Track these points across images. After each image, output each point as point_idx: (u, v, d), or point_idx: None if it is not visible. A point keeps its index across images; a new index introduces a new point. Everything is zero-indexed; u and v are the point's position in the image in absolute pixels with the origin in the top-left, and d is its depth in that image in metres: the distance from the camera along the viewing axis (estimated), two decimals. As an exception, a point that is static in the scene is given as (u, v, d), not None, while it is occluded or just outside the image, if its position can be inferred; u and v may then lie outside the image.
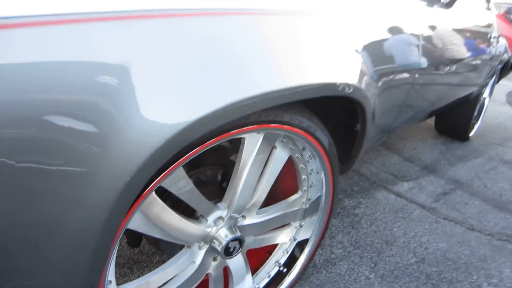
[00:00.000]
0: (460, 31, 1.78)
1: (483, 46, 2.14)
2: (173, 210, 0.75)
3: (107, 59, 0.47)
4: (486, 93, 2.99)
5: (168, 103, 0.52)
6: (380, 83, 1.03)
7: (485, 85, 2.58)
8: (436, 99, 1.87)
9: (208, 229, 0.85)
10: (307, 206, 1.06)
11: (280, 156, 0.89)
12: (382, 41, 1.03)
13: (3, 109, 0.41)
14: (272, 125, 0.77)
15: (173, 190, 0.72)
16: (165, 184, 0.69)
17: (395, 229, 1.65)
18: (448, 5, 1.47)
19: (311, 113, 0.89)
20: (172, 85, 0.53)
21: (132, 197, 0.55)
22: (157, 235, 0.76)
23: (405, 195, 1.96)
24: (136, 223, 0.71)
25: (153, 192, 0.68)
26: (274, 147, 0.88)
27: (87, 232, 0.52)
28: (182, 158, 0.64)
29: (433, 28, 1.40)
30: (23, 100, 0.42)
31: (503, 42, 2.52)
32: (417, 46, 1.25)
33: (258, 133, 0.80)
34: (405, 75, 1.21)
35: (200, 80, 0.55)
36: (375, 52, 1.00)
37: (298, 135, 0.85)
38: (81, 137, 0.46)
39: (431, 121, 3.11)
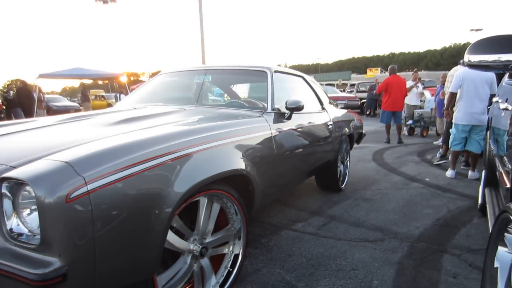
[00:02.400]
0: (307, 128, 3.12)
1: (324, 131, 3.53)
2: (175, 233, 1.73)
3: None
4: (345, 158, 4.43)
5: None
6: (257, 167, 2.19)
7: (338, 151, 3.98)
8: (301, 168, 3.11)
9: (191, 245, 1.82)
10: (234, 232, 2.09)
11: (216, 207, 1.94)
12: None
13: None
14: (211, 191, 1.83)
15: (176, 225, 1.71)
16: (174, 222, 1.68)
17: (294, 248, 2.71)
18: (288, 118, 2.76)
19: (228, 184, 1.97)
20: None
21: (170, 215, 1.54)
22: (169, 247, 1.71)
23: (299, 230, 3.07)
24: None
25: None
26: (212, 202, 1.92)
27: (159, 234, 1.49)
28: (180, 207, 1.65)
29: (290, 130, 2.66)
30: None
31: (339, 125, 4.00)
32: (273, 141, 2.46)
33: (205, 196, 1.84)
34: (269, 159, 2.40)
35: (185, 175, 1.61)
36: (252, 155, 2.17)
37: (223, 195, 1.92)
38: (158, 193, 1.46)
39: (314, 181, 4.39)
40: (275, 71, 3.08)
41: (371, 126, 10.95)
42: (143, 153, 1.45)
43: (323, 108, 3.83)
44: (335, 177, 4.07)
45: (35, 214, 1.20)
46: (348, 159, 4.58)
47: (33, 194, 1.16)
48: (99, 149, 1.37)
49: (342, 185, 4.33)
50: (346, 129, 4.27)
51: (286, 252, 2.65)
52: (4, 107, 12.49)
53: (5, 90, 14.42)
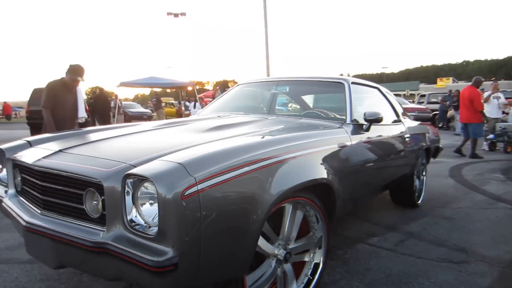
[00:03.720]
0: (384, 140, 3.06)
1: (401, 144, 3.42)
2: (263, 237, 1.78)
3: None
4: (422, 172, 4.24)
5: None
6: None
7: (414, 165, 3.82)
8: (377, 181, 3.05)
9: (276, 249, 1.87)
10: (316, 241, 2.11)
11: (299, 214, 1.97)
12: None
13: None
14: (296, 198, 1.87)
15: (264, 229, 1.77)
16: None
17: (371, 262, 2.65)
18: (367, 130, 2.73)
19: (312, 191, 2.00)
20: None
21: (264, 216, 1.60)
22: (257, 249, 1.77)
23: (375, 244, 2.99)
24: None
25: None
26: (296, 209, 1.96)
27: (253, 235, 1.55)
28: (271, 211, 1.70)
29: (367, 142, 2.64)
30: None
31: (416, 138, 3.85)
32: (352, 152, 2.45)
33: (290, 203, 1.88)
34: (348, 170, 2.39)
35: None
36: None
37: (307, 203, 1.95)
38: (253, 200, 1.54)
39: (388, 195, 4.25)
40: (352, 83, 3.07)
41: (445, 139, 10.31)
42: (244, 158, 1.55)
43: (399, 120, 3.72)
44: (411, 192, 3.91)
45: (152, 208, 1.34)
46: (424, 174, 4.38)
47: (153, 190, 1.31)
48: (205, 152, 1.50)
49: (418, 200, 4.14)
50: (422, 142, 4.09)
51: (364, 266, 2.60)
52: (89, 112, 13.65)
53: (89, 97, 15.79)
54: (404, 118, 4.01)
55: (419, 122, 4.63)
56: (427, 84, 45.87)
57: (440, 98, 16.70)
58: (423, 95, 21.62)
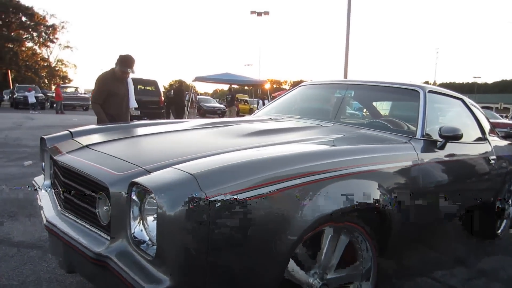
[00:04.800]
0: (462, 161, 2.64)
1: (484, 166, 2.94)
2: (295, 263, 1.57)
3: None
4: (508, 200, 3.64)
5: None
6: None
7: (499, 191, 3.28)
8: (449, 207, 2.64)
9: (310, 279, 1.64)
10: (363, 272, 1.83)
11: (343, 240, 1.72)
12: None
13: None
14: (340, 223, 1.62)
15: (297, 252, 1.55)
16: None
17: (430, 301, 2.28)
18: (441, 147, 2.35)
19: (361, 217, 1.72)
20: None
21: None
22: (287, 276, 1.57)
23: (438, 279, 2.59)
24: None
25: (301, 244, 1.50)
26: (340, 234, 1.71)
27: (279, 264, 1.34)
28: (303, 238, 1.48)
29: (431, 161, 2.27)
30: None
31: (505, 160, 3.30)
32: (419, 173, 2.11)
33: (331, 227, 1.64)
34: (412, 194, 2.05)
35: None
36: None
37: (354, 228, 1.69)
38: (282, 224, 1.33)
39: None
40: (430, 91, 2.68)
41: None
42: (275, 173, 1.33)
43: (484, 138, 3.21)
44: (491, 221, 3.36)
45: (154, 223, 1.18)
46: (510, 202, 3.76)
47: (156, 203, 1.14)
48: (229, 163, 1.31)
49: (499, 230, 3.56)
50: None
51: (421, 304, 2.25)
52: (164, 104, 14.38)
53: (168, 89, 16.58)
54: (492, 136, 3.46)
55: (510, 142, 4.00)
56: (526, 97, 40.96)
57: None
58: (520, 110, 19.22)
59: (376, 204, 1.76)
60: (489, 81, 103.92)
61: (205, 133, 2.11)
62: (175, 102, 13.57)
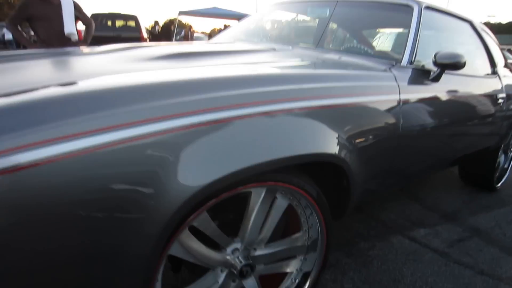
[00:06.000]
0: (463, 98, 2.08)
1: (489, 106, 2.37)
2: (202, 242, 1.10)
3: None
4: (511, 148, 3.13)
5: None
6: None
7: (503, 137, 2.75)
8: (441, 155, 2.12)
9: (228, 257, 1.18)
10: (308, 243, 1.37)
11: (280, 204, 1.23)
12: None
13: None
14: (269, 183, 1.12)
15: (201, 228, 1.07)
16: (196, 223, 1.04)
17: (404, 270, 1.86)
18: (435, 79, 1.78)
19: (300, 173, 1.22)
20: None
21: (170, 231, 0.90)
22: (190, 259, 1.11)
23: (419, 240, 2.15)
24: (175, 250, 1.06)
25: (187, 228, 1.03)
26: (275, 197, 1.22)
27: (140, 256, 0.87)
28: (206, 204, 0.99)
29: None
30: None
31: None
32: (399, 112, 1.57)
33: (261, 187, 1.14)
34: (389, 140, 1.53)
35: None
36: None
37: (289, 189, 1.19)
38: (143, 194, 0.83)
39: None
40: (426, 7, 2.04)
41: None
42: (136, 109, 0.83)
43: (494, 72, 2.61)
44: (490, 171, 2.88)
45: None
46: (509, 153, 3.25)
47: None
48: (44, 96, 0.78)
49: (498, 183, 3.09)
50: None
51: (392, 273, 1.82)
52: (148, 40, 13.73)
53: (153, 26, 15.72)
54: (506, 71, 2.86)
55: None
56: (543, 38, 38.65)
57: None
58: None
59: (332, 158, 1.24)
60: (504, 21, 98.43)
61: (111, 57, 1.53)
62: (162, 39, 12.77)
